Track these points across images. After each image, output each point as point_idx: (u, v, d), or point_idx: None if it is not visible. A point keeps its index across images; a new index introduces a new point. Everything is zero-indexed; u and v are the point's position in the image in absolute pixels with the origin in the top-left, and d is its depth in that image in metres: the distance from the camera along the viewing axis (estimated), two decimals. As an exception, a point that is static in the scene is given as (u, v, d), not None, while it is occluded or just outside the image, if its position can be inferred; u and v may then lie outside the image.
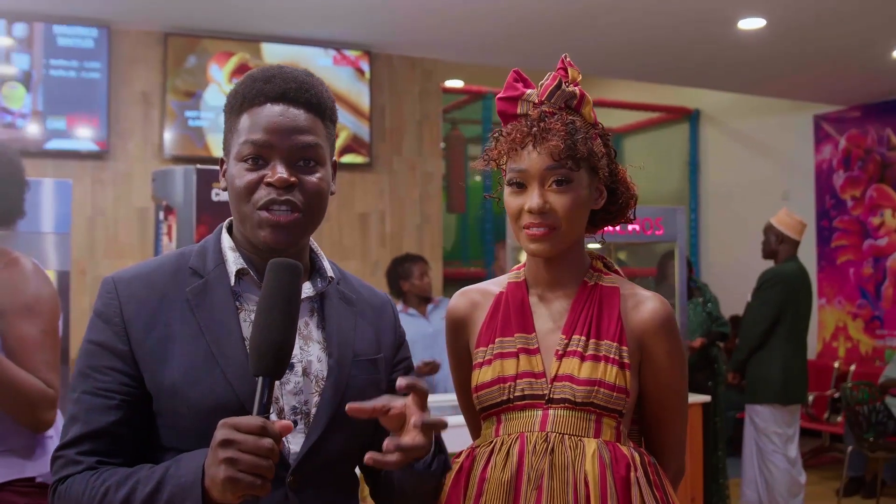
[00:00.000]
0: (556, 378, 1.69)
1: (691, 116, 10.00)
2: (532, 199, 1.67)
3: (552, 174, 1.67)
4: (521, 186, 1.70)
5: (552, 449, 1.65)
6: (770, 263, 5.85)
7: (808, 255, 7.43)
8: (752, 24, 6.15)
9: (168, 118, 6.27)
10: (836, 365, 8.30)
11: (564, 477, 1.63)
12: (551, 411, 1.68)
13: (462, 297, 1.87)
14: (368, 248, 6.89)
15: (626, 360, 1.69)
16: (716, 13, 5.96)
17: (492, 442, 1.72)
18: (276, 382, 1.45)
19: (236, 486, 1.29)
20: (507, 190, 1.73)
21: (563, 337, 1.72)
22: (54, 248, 3.93)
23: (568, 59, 1.76)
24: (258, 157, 1.53)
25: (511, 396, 1.71)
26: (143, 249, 6.13)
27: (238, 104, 1.57)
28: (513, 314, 1.78)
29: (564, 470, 1.63)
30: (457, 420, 1.91)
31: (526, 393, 1.70)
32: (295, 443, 1.54)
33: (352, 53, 6.79)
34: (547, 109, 1.71)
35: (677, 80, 8.37)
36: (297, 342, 1.56)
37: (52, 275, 3.52)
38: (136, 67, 6.27)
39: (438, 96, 7.45)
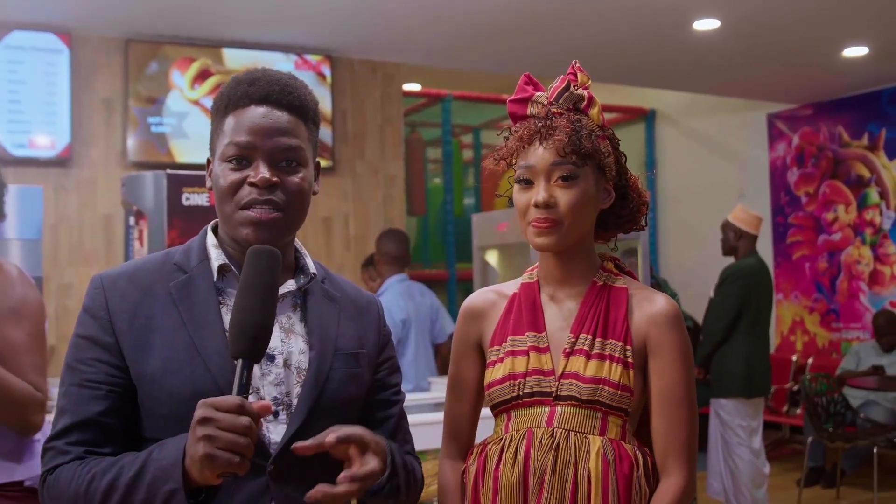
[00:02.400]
0: (562, 375, 1.73)
1: (647, 116, 10.10)
2: (538, 193, 1.72)
3: (557, 169, 1.72)
4: (528, 183, 1.75)
5: (557, 445, 1.68)
6: (730, 260, 5.95)
7: (764, 252, 7.52)
8: (706, 24, 6.24)
9: (130, 124, 6.23)
10: (795, 358, 8.44)
11: (566, 473, 1.66)
12: (559, 408, 1.72)
13: (480, 295, 1.92)
14: (333, 251, 6.89)
15: (630, 360, 1.72)
16: (671, 14, 6.04)
17: (501, 438, 1.76)
18: (257, 373, 1.50)
19: (214, 463, 1.32)
20: (515, 187, 1.78)
21: (571, 335, 1.76)
22: (25, 254, 3.91)
23: (578, 65, 1.83)
24: (242, 157, 1.57)
25: (520, 393, 1.75)
26: (109, 256, 6.07)
27: (223, 106, 1.62)
28: (524, 313, 1.82)
29: (567, 466, 1.67)
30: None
31: (535, 389, 1.74)
32: (276, 433, 1.56)
33: (313, 58, 6.80)
34: (555, 110, 1.77)
35: (634, 81, 8.47)
36: (279, 335, 1.60)
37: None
38: (98, 74, 6.22)
39: (399, 100, 7.48)
